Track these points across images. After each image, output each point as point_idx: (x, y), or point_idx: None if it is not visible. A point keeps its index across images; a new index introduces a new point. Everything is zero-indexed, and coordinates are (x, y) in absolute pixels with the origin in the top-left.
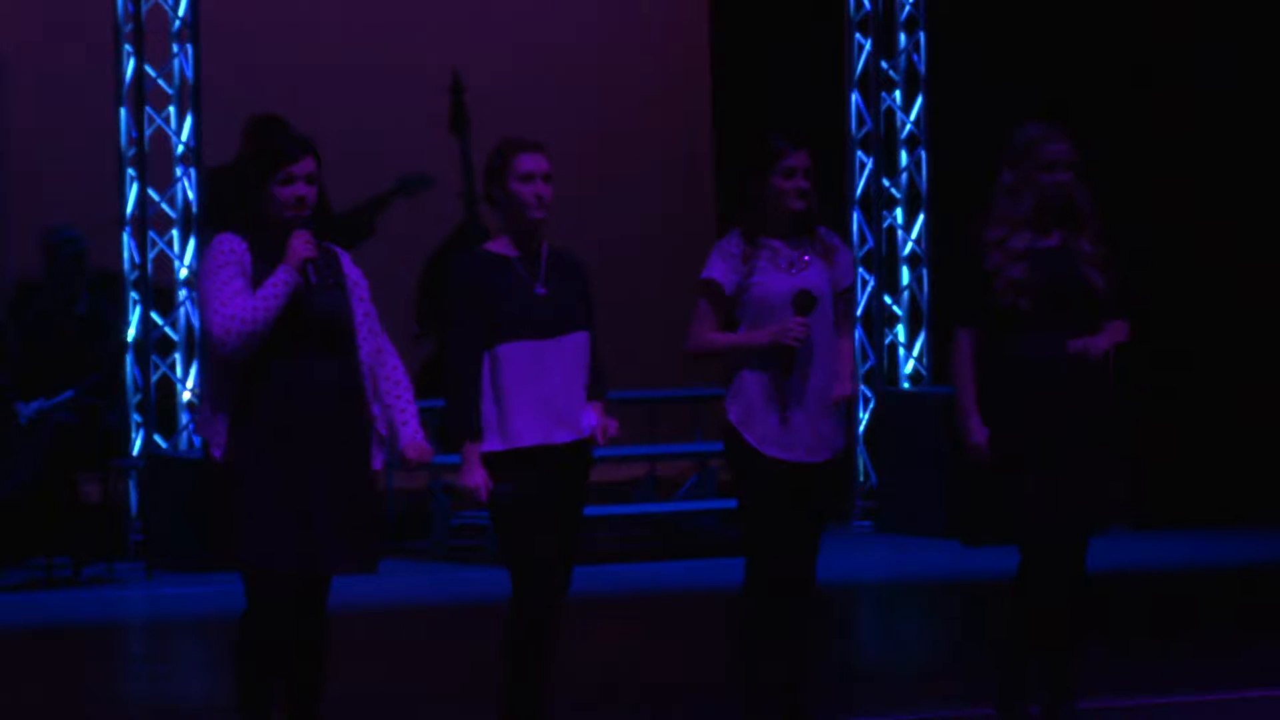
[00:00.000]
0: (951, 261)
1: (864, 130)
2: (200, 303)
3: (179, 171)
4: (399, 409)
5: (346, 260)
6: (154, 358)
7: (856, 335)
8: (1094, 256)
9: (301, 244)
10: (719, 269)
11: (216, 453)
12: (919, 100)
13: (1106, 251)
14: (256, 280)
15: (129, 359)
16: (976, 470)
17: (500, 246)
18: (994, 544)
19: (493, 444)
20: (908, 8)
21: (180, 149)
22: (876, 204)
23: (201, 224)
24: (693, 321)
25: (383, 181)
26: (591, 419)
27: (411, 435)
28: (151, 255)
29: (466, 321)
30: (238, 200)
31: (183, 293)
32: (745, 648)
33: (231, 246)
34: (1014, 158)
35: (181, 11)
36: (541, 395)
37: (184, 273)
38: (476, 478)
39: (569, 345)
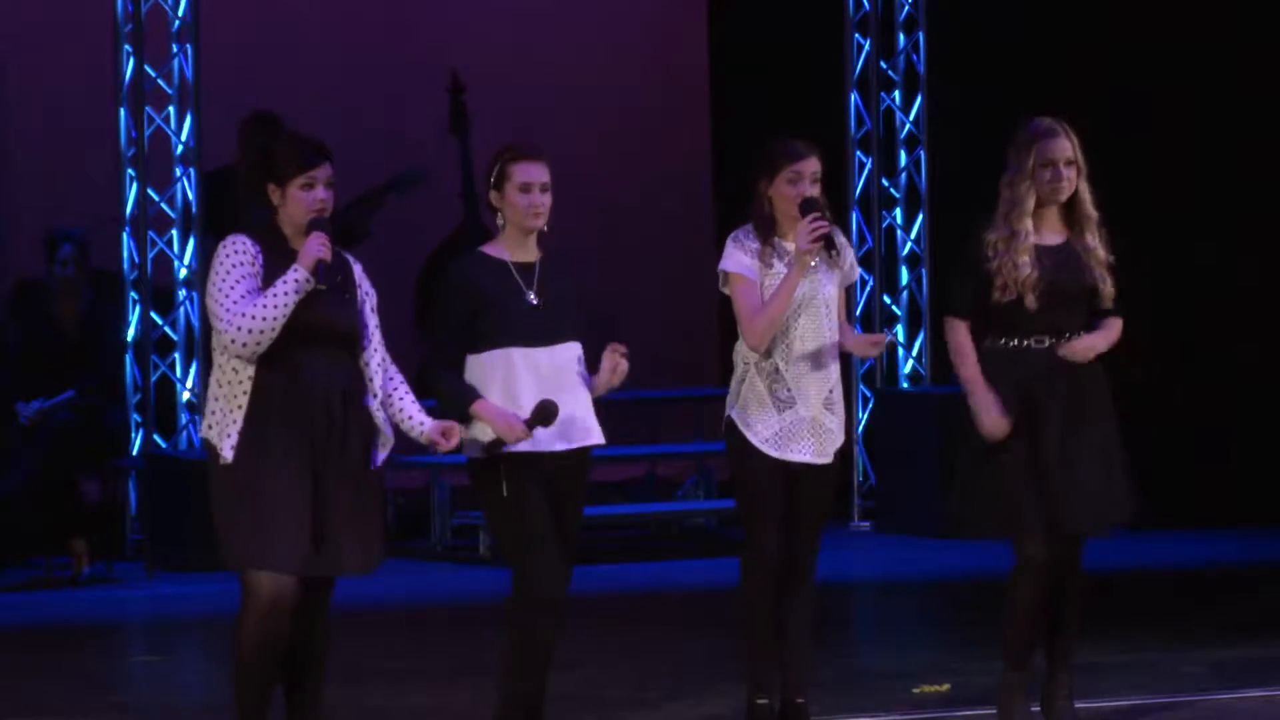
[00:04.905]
0: (952, 257)
1: (863, 130)
2: (209, 303)
3: (179, 171)
4: (403, 405)
5: (358, 270)
6: (154, 357)
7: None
8: (1098, 255)
9: (317, 245)
10: (743, 262)
11: (228, 453)
12: (918, 100)
13: (1110, 250)
14: (268, 283)
15: (129, 359)
16: (976, 458)
17: (497, 251)
18: (989, 536)
19: (483, 439)
20: (906, 8)
21: (180, 149)
22: (876, 204)
23: (203, 226)
24: (741, 313)
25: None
26: (429, 424)
27: (430, 424)
28: (151, 255)
29: (455, 319)
30: (246, 202)
31: (182, 293)
32: (750, 647)
33: (243, 247)
34: (1016, 152)
35: (181, 11)
36: (529, 404)
37: (184, 273)
38: (507, 418)
39: (560, 355)
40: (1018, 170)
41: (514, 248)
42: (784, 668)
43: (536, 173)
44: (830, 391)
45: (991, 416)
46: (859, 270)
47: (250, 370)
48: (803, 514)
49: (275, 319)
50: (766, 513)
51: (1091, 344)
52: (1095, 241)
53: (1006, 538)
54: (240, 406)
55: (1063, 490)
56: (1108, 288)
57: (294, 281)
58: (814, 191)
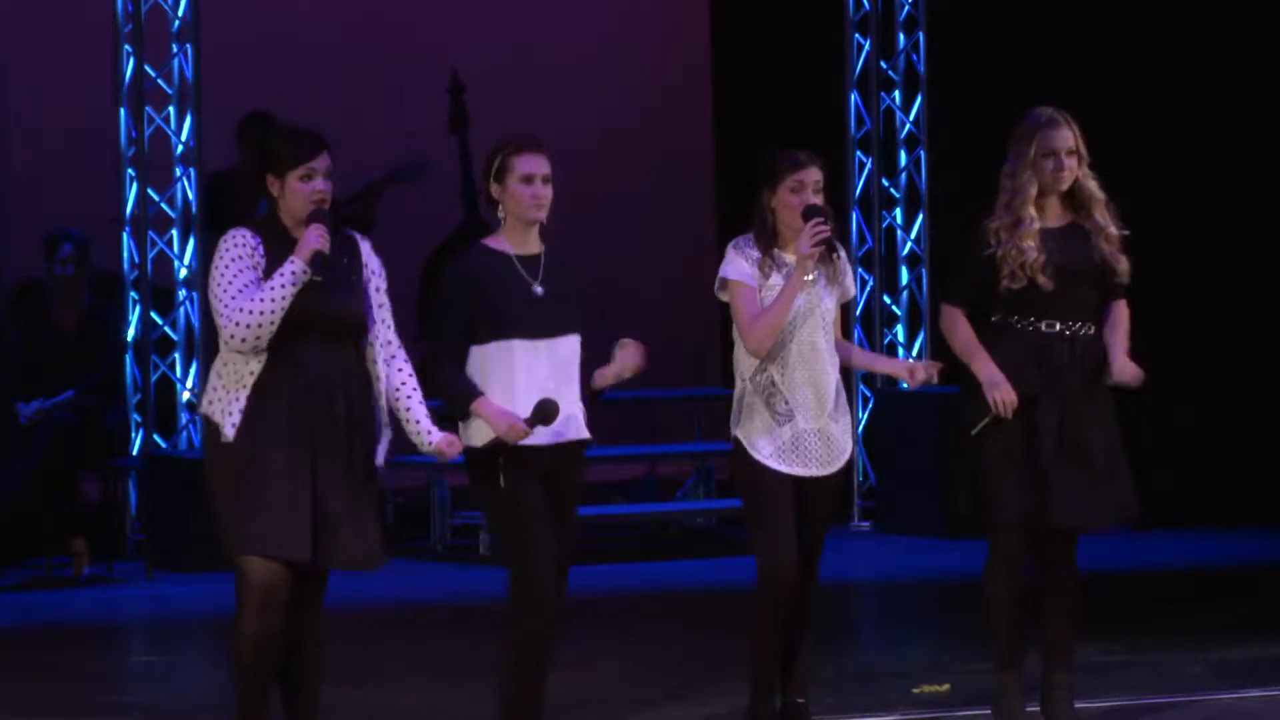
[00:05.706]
0: (953, 245)
1: (863, 130)
2: (210, 296)
3: (179, 172)
4: (410, 407)
5: (366, 248)
6: (154, 358)
7: (855, 335)
8: (1109, 233)
9: (316, 236)
10: (743, 269)
11: (229, 430)
12: (918, 100)
13: (1118, 233)
14: (269, 275)
15: (129, 359)
16: (966, 446)
17: (499, 244)
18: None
19: (479, 439)
20: (907, 8)
21: (180, 149)
22: (876, 204)
23: (204, 226)
24: (741, 319)
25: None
26: (436, 435)
27: (437, 435)
28: (151, 255)
29: (459, 311)
30: (248, 203)
31: (182, 293)
32: (758, 651)
33: (244, 240)
34: (1017, 143)
35: (181, 11)
36: (531, 395)
37: (184, 273)
38: (508, 417)
39: (561, 347)
40: (1019, 160)
41: (516, 240)
42: (785, 668)
43: (538, 164)
44: (832, 401)
45: (999, 387)
46: (859, 270)
47: (257, 358)
48: (808, 521)
49: (273, 312)
50: (778, 527)
51: (1130, 369)
52: (1105, 220)
53: (983, 526)
54: (245, 387)
55: (1054, 483)
56: (1123, 264)
57: (291, 274)
58: (817, 201)
